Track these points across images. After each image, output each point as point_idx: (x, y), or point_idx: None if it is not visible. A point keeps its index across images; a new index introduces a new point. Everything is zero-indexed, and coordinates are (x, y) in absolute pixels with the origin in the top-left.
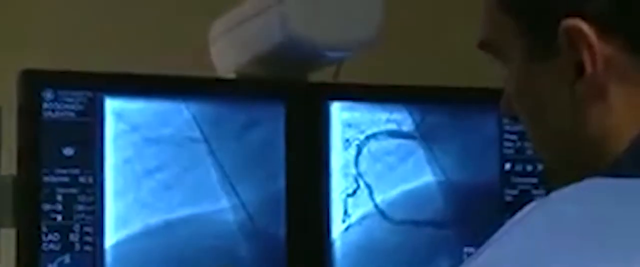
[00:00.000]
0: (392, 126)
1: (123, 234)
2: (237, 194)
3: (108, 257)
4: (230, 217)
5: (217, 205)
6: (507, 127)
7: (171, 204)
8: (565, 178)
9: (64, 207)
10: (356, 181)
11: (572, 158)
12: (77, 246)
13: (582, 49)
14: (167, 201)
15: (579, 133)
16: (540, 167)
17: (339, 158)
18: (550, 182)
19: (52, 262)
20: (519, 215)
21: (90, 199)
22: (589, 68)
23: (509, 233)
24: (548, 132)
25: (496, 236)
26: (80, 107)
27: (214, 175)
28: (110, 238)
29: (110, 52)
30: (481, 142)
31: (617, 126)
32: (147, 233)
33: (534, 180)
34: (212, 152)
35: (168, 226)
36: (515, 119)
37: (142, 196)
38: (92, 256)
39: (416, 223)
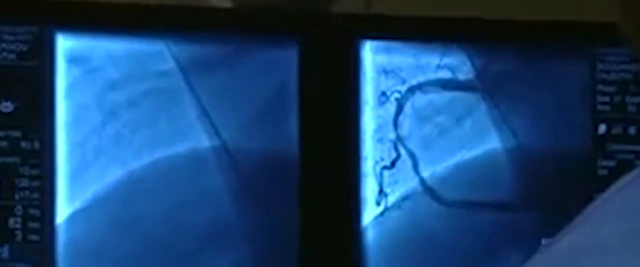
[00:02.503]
0: (445, 74)
1: (77, 203)
2: (234, 166)
3: (59, 246)
4: (224, 194)
5: (208, 176)
6: (603, 75)
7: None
8: None
9: (0, 182)
10: (396, 148)
11: None
12: (19, 235)
13: None
14: (140, 153)
15: None
16: None
17: (372, 118)
18: None
19: None
20: (611, 190)
21: (36, 171)
22: None
23: (598, 214)
24: None
25: (581, 217)
26: (23, 47)
27: (205, 139)
28: (62, 218)
29: None
30: (566, 96)
31: None
32: (106, 199)
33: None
34: (202, 110)
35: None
36: None
37: (101, 147)
38: (40, 247)
39: (476, 205)
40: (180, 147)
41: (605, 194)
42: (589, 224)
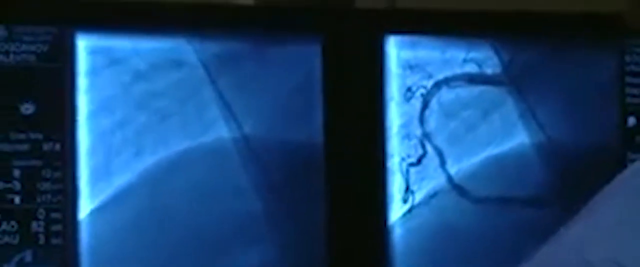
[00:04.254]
0: (472, 68)
1: (99, 200)
2: (262, 162)
3: (82, 248)
4: (251, 196)
5: (231, 176)
6: (632, 67)
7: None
8: None
9: (23, 185)
10: (422, 144)
11: None
12: (42, 238)
13: None
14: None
15: None
16: None
17: (398, 113)
18: None
19: (8, 261)
20: (618, 179)
21: (59, 174)
22: None
23: (606, 202)
24: None
25: (589, 205)
26: (44, 48)
27: (226, 134)
28: (85, 221)
29: None
30: (594, 89)
31: None
32: (128, 194)
33: None
34: (226, 105)
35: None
36: None
37: (122, 144)
38: (62, 252)
39: (505, 201)
40: (205, 144)
41: (611, 185)
42: (598, 213)
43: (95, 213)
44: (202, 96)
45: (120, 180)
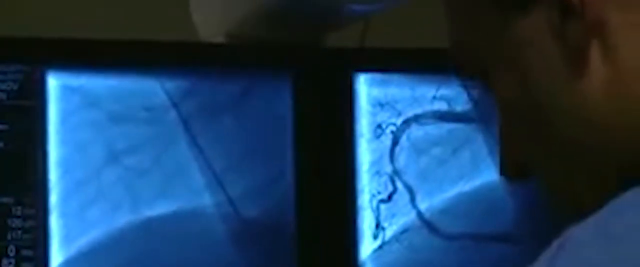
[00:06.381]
0: (441, 105)
1: (74, 248)
2: (228, 198)
3: None
4: (219, 226)
5: (203, 209)
6: None
7: (140, 200)
8: (577, 200)
9: None
10: (392, 181)
11: (578, 156)
12: None
13: None
14: (135, 197)
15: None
16: None
17: (368, 150)
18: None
19: None
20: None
21: (30, 210)
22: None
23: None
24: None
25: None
26: (14, 86)
27: (196, 171)
28: (56, 261)
29: (55, 12)
30: None
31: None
32: (107, 244)
33: None
34: (194, 142)
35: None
36: None
37: (102, 191)
38: None
39: (476, 237)
40: (179, 195)
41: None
42: (591, 219)
43: (68, 260)
44: (175, 142)
45: (93, 232)
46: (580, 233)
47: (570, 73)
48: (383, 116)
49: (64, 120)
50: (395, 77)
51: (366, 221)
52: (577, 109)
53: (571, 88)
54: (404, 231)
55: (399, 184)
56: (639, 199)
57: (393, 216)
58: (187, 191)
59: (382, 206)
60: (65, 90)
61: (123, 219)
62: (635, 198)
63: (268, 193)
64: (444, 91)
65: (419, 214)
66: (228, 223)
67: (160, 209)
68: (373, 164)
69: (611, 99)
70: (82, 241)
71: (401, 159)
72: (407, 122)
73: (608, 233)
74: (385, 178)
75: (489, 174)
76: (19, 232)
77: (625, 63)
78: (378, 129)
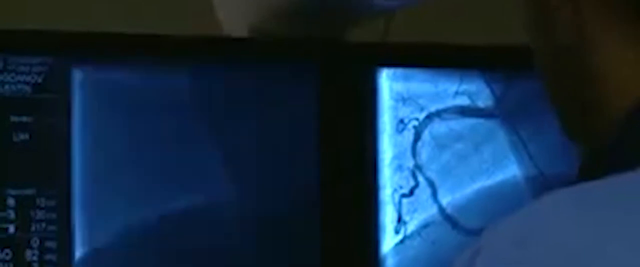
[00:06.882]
0: (464, 101)
1: (96, 243)
2: (251, 192)
3: None
4: (242, 221)
5: (226, 203)
6: None
7: (163, 193)
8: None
9: (17, 214)
10: (414, 176)
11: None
12: None
13: None
14: (158, 190)
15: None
16: None
17: (390, 145)
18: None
19: None
20: None
21: (53, 202)
22: None
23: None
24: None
25: None
26: (38, 79)
27: (220, 165)
28: (79, 252)
29: (80, 5)
30: None
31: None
32: (129, 238)
33: None
34: (219, 137)
35: (160, 224)
36: None
37: (125, 183)
38: None
39: None
40: (202, 188)
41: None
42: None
43: (90, 252)
44: (200, 136)
45: (117, 224)
46: (494, 238)
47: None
48: (405, 111)
49: (88, 113)
50: (417, 72)
51: (388, 216)
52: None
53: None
54: (426, 225)
55: (421, 179)
56: (557, 205)
57: (415, 210)
58: (209, 184)
59: (404, 201)
60: (90, 83)
61: (146, 211)
62: (554, 202)
63: (291, 188)
64: (466, 86)
65: (441, 209)
66: (251, 217)
67: (183, 202)
68: (395, 158)
69: None
70: (106, 233)
71: (423, 154)
72: (429, 117)
73: (517, 238)
74: (407, 173)
75: (510, 170)
76: (43, 224)
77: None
78: (400, 124)
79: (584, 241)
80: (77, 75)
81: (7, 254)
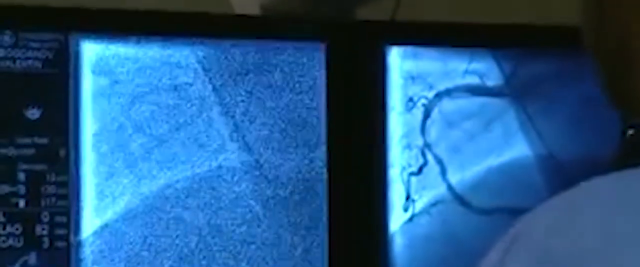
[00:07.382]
0: (473, 79)
1: (105, 217)
2: (260, 169)
3: (86, 253)
4: (251, 197)
5: (235, 179)
6: None
7: (171, 168)
8: None
9: (28, 189)
10: (423, 154)
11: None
12: (46, 242)
13: None
14: (166, 164)
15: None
16: None
17: (399, 123)
18: None
19: (12, 263)
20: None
21: (63, 177)
22: None
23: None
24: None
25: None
26: (49, 55)
27: (228, 141)
28: (89, 227)
29: None
30: (599, 101)
31: None
32: (134, 213)
33: None
34: (227, 114)
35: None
36: None
37: (130, 162)
38: (65, 255)
39: (506, 211)
40: (210, 160)
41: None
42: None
43: (99, 226)
44: (208, 113)
45: (125, 197)
46: (533, 226)
47: None
48: (415, 89)
49: (97, 88)
50: (427, 51)
51: (396, 193)
52: None
53: None
54: (434, 203)
55: (430, 157)
56: (596, 195)
57: (423, 188)
58: (218, 160)
59: (413, 179)
60: (100, 59)
61: (155, 185)
62: (592, 192)
63: (300, 165)
64: (475, 65)
65: (449, 187)
66: (259, 194)
67: (192, 177)
68: (404, 136)
69: None
70: (115, 207)
71: (432, 132)
72: (438, 96)
73: (555, 227)
74: (416, 151)
75: (519, 149)
76: (53, 198)
77: None
78: (409, 102)
79: (623, 230)
80: (88, 51)
81: (17, 228)
